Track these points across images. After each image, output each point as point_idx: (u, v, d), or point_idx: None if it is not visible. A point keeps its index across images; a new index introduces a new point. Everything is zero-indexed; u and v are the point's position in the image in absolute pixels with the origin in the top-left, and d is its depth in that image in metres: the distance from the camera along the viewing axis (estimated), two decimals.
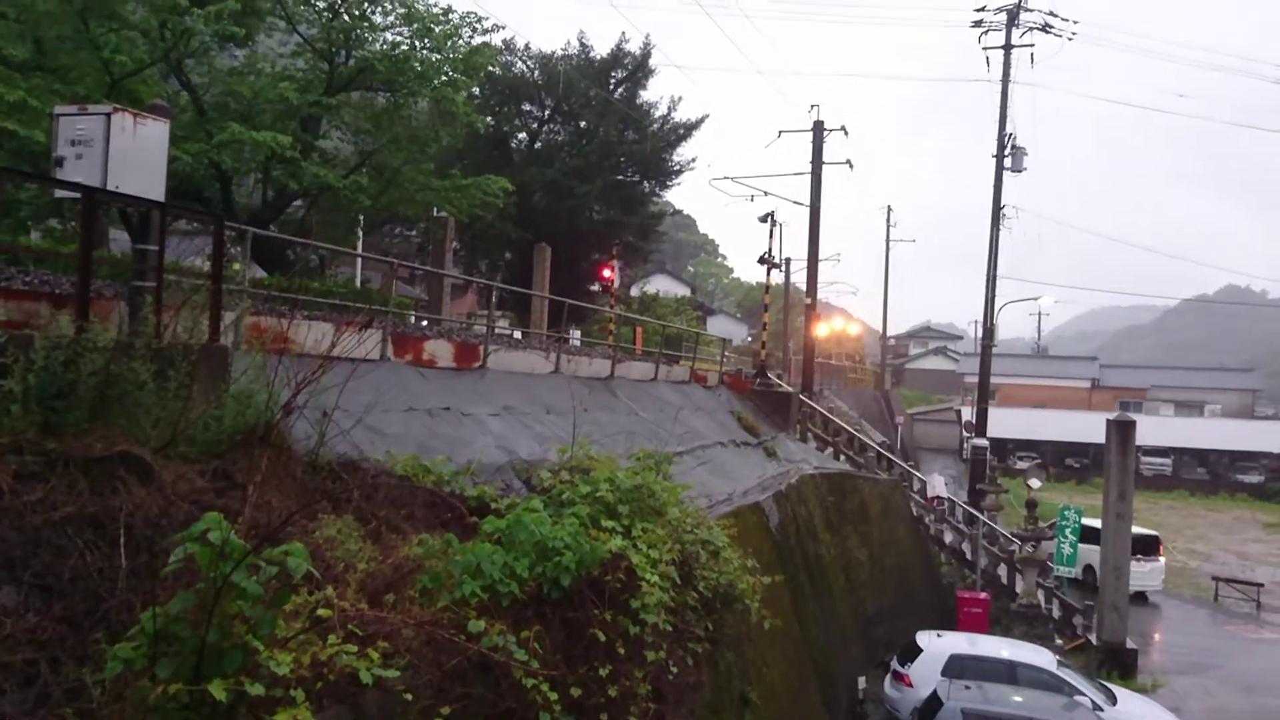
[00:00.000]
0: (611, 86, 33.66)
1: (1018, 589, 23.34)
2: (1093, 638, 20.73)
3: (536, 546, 6.41)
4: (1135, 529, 28.61)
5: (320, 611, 4.79)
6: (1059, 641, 21.44)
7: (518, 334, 23.57)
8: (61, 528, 4.66)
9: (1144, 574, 27.47)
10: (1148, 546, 28.21)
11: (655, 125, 34.27)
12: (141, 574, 4.69)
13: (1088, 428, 50.41)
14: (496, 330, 17.92)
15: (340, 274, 26.59)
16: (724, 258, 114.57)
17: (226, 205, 17.78)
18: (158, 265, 7.04)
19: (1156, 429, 54.85)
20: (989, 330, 33.88)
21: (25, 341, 5.42)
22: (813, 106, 34.19)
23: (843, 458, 26.10)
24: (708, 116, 36.14)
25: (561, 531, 6.58)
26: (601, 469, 8.39)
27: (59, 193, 8.04)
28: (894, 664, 17.07)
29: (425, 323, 18.73)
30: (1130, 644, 20.26)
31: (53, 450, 5.03)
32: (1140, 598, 27.38)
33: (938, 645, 16.72)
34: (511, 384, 13.46)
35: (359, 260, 27.40)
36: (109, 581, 4.60)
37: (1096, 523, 23.78)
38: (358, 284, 24.81)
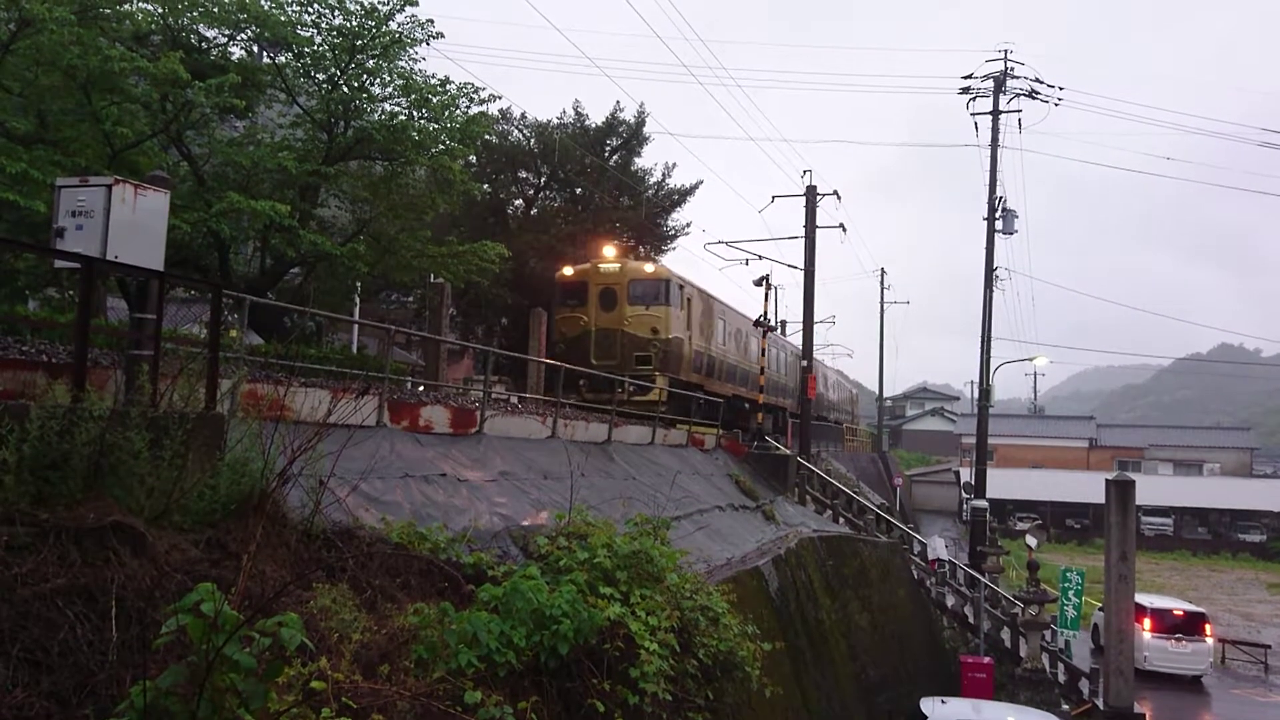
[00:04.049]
0: (606, 154, 34.15)
1: (1022, 653, 23.01)
2: (1099, 703, 20.38)
3: (534, 615, 6.33)
4: (1179, 604, 27.28)
5: (314, 684, 4.71)
6: (1065, 707, 21.09)
7: (514, 399, 23.58)
8: (52, 600, 4.59)
9: (1187, 655, 25.37)
10: (1193, 625, 25.85)
11: (649, 191, 34.72)
12: (133, 647, 4.62)
13: (1087, 488, 50.31)
14: (493, 395, 17.93)
15: (337, 340, 26.66)
16: None
17: (224, 273, 17.89)
18: (155, 334, 7.06)
19: (1156, 489, 54.67)
20: (985, 391, 33.93)
21: (21, 411, 5.40)
22: (805, 172, 34.67)
23: (841, 520, 25.92)
24: (701, 182, 36.65)
25: (559, 599, 6.51)
26: (599, 535, 8.33)
27: (59, 263, 8.11)
28: None
29: (422, 388, 18.72)
30: (1138, 709, 19.91)
31: (45, 521, 4.98)
32: (1196, 684, 25.36)
33: (942, 712, 16.41)
34: (508, 449, 13.41)
35: (356, 327, 27.48)
36: (99, 655, 4.52)
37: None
38: (354, 350, 24.87)
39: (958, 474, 60.99)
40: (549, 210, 34.36)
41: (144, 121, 15.25)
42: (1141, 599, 25.29)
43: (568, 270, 23.64)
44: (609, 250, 24.52)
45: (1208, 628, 26.35)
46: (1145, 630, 25.19)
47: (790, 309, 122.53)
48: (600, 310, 22.26)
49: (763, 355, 28.40)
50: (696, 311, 24.14)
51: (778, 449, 26.23)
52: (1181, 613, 26.35)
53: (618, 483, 15.03)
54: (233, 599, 4.49)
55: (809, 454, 28.51)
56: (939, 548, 27.25)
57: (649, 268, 22.98)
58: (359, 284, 22.60)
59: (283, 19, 17.46)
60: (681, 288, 23.13)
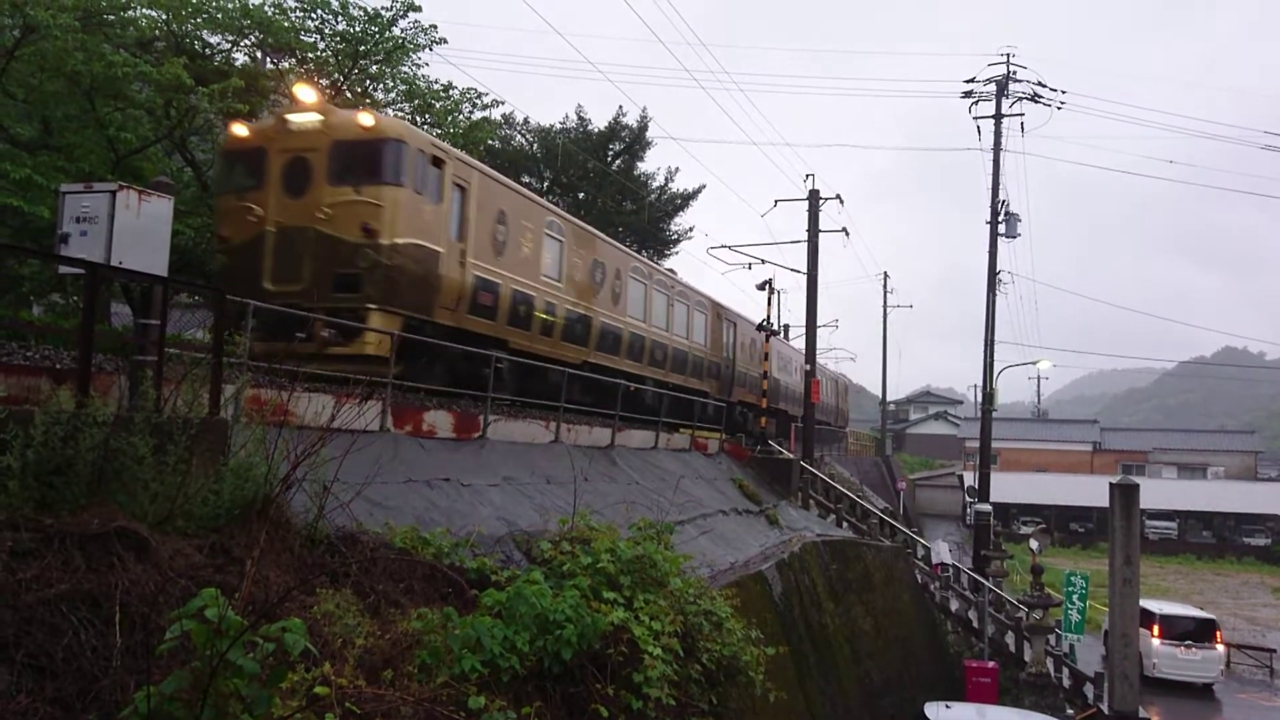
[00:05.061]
0: (609, 159, 34.21)
1: (1026, 657, 22.96)
2: (1104, 707, 20.33)
3: (537, 619, 6.33)
4: (1190, 611, 27.06)
5: (317, 689, 4.71)
6: (1070, 711, 21.03)
7: None
8: (56, 605, 4.60)
9: (1197, 662, 25.04)
10: (1203, 632, 25.49)
11: (653, 196, 34.79)
12: (137, 652, 4.62)
13: (1091, 491, 50.13)
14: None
15: None
16: None
17: None
18: (159, 339, 7.07)
19: (1160, 492, 54.57)
20: (989, 395, 33.87)
21: (25, 417, 5.41)
22: (807, 176, 34.78)
23: (845, 524, 25.88)
24: (704, 186, 36.75)
25: (562, 604, 6.50)
26: (602, 539, 8.32)
27: (63, 268, 8.12)
28: None
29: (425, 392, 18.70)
30: (1145, 714, 19.86)
31: (49, 526, 4.99)
32: (1206, 692, 24.95)
33: (946, 717, 16.36)
34: (511, 454, 13.41)
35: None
36: (103, 661, 4.52)
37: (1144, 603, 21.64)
38: None
39: (961, 478, 60.92)
40: None
41: (147, 127, 15.29)
42: (1151, 605, 25.18)
43: (239, 129, 13.32)
44: (306, 93, 14.37)
45: (1219, 635, 25.99)
46: (1154, 637, 25.04)
47: (793, 313, 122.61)
48: (285, 196, 12.52)
49: (765, 359, 28.41)
50: (486, 211, 14.40)
51: (781, 453, 26.22)
52: (1191, 619, 26.09)
53: (621, 487, 15.03)
54: (236, 604, 4.50)
55: (812, 458, 28.50)
56: (943, 552, 27.18)
57: (367, 119, 12.47)
58: None
59: (286, 25, 17.51)
60: (438, 162, 13.16)
